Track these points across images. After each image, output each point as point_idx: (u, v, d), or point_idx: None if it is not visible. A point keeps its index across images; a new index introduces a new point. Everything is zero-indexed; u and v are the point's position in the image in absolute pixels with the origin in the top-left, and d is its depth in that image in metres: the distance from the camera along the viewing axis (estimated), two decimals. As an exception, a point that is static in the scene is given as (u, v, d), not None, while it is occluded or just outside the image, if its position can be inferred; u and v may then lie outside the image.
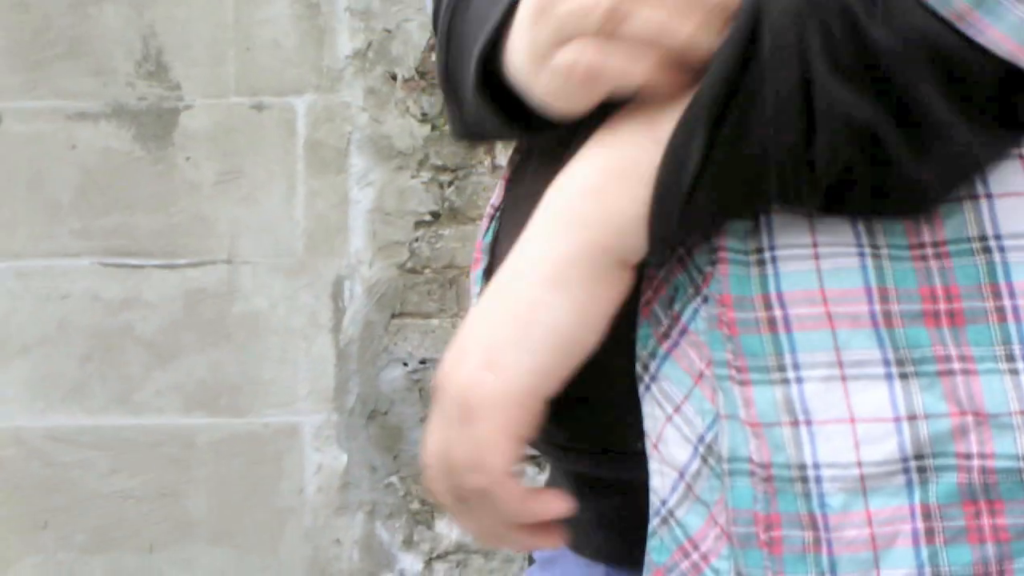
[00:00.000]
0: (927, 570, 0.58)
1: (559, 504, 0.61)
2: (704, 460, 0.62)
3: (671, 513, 0.63)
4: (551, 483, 0.80)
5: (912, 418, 0.58)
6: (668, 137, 0.59)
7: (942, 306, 0.58)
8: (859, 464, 0.58)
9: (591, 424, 0.69)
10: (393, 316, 2.49)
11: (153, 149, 2.50)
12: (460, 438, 0.59)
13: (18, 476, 2.47)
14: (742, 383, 0.60)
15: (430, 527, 2.49)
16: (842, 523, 0.58)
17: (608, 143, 0.62)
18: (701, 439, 0.62)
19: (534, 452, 0.70)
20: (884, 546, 0.58)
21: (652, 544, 0.64)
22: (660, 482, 0.63)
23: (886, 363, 0.58)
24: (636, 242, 0.60)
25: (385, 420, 2.49)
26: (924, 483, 0.58)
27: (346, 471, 2.49)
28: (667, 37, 0.59)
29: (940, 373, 0.58)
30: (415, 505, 2.49)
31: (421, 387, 2.47)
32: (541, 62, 0.64)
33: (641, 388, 0.64)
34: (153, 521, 2.48)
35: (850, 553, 0.59)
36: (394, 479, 2.49)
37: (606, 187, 0.60)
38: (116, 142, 2.50)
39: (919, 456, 0.58)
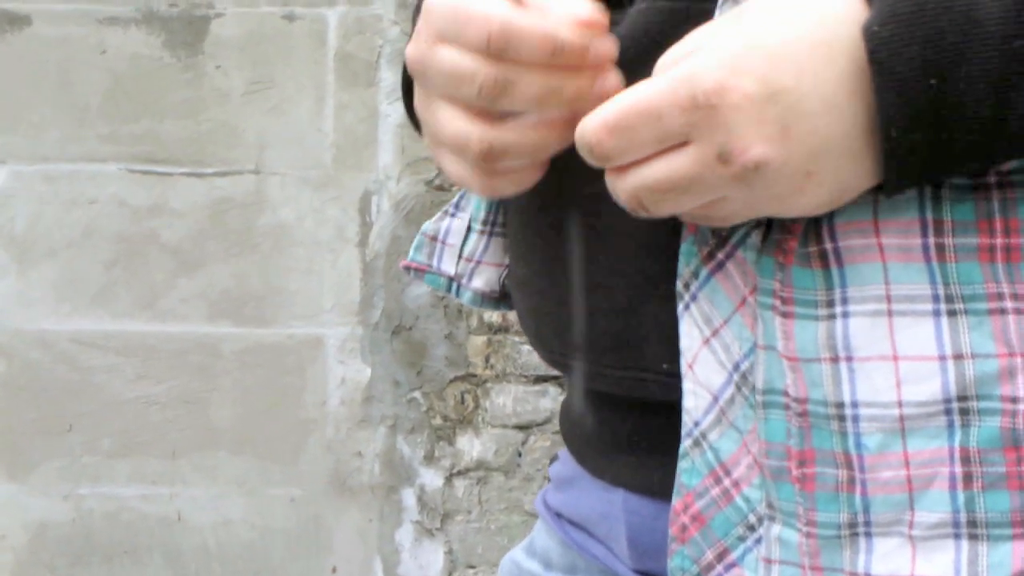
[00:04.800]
0: (962, 515, 0.57)
1: None
2: (738, 388, 0.61)
3: (704, 436, 0.62)
4: (570, 403, 0.79)
5: (958, 357, 0.56)
6: None
7: (999, 240, 0.56)
8: (900, 404, 0.57)
9: (619, 342, 0.68)
10: (420, 232, 2.48)
11: (183, 56, 2.48)
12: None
13: (44, 379, 2.49)
14: (784, 315, 0.58)
15: (451, 443, 2.49)
16: (877, 464, 0.57)
17: None
18: (736, 367, 0.61)
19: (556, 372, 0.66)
20: (920, 488, 0.57)
21: (683, 466, 0.63)
22: (693, 403, 0.62)
23: (935, 299, 0.56)
24: None
25: (409, 336, 2.49)
26: (966, 426, 0.56)
27: (369, 385, 2.50)
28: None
29: (991, 311, 0.56)
30: (437, 420, 2.49)
31: (446, 304, 2.46)
32: (430, 137, 0.64)
33: (680, 306, 0.62)
34: (177, 428, 2.50)
35: (884, 494, 0.57)
36: (417, 394, 2.50)
37: None
38: (146, 48, 2.47)
39: (963, 398, 0.56)
